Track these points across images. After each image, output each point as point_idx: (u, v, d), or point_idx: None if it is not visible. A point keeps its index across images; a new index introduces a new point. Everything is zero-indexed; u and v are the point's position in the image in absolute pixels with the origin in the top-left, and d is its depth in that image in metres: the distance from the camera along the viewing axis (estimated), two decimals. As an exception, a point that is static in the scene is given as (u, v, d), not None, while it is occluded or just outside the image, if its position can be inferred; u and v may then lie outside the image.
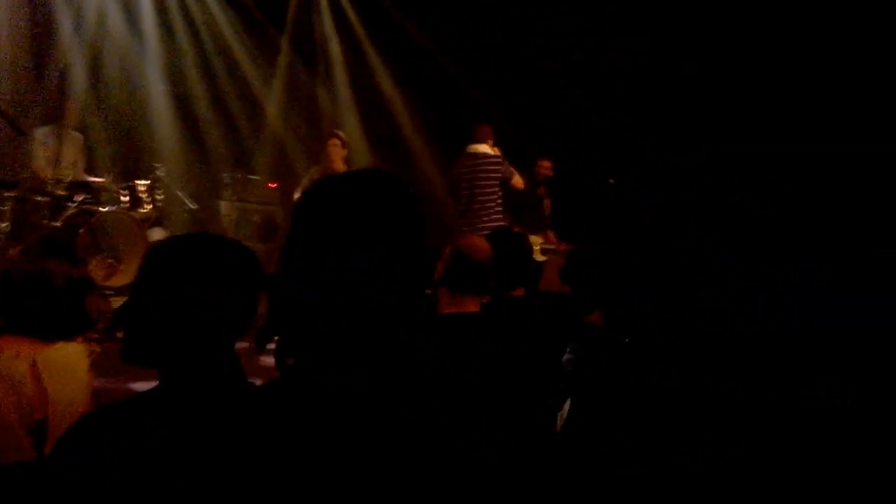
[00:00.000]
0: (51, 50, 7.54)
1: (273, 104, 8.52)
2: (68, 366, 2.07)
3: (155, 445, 1.07)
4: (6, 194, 6.11)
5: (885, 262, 4.78)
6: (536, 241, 6.34)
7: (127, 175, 7.08)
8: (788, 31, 5.85)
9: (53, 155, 6.29)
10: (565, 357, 2.72)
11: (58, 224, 6.10)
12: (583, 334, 2.76)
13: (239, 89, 8.43)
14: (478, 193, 6.11)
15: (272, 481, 1.02)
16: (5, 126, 5.59)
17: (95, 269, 5.98)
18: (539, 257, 6.06)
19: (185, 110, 8.21)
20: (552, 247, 6.49)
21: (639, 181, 6.64)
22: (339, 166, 6.46)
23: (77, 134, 6.83)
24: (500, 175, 6.13)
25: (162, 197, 6.92)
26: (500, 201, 6.16)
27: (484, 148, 6.16)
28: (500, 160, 6.16)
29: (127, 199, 6.55)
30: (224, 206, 7.90)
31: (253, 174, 8.06)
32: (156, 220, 6.88)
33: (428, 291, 2.57)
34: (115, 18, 7.84)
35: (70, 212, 6.23)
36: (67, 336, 2.11)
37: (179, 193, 7.32)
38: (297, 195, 5.77)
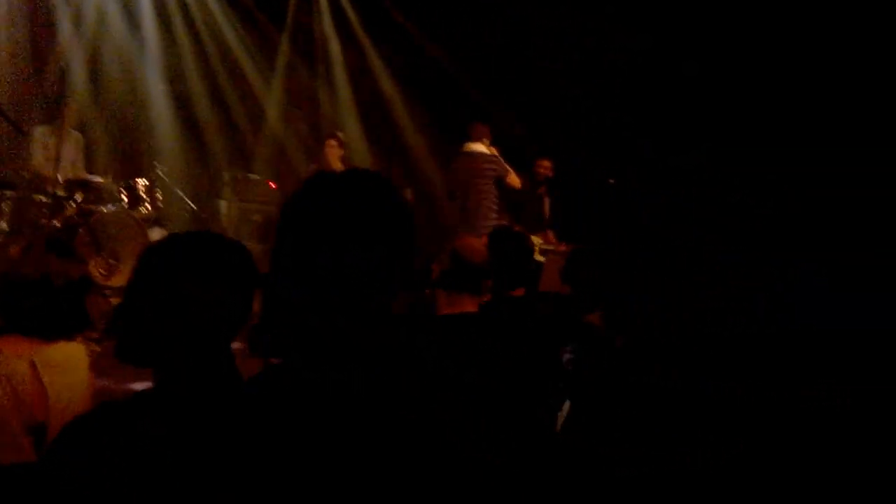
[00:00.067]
0: (50, 49, 7.53)
1: (273, 104, 8.52)
2: (68, 365, 2.07)
3: (151, 445, 1.07)
4: (6, 193, 6.11)
5: (886, 262, 4.78)
6: (536, 241, 6.35)
7: (127, 174, 7.07)
8: (788, 30, 5.85)
9: (53, 154, 6.28)
10: (565, 357, 2.72)
11: (57, 223, 6.09)
12: (583, 334, 2.76)
13: (239, 89, 8.42)
14: (473, 192, 6.13)
15: (271, 480, 1.02)
16: (5, 125, 5.59)
17: (95, 269, 5.98)
18: (538, 258, 6.06)
19: (185, 109, 8.21)
20: (551, 247, 6.49)
21: (639, 181, 6.64)
22: (337, 167, 6.46)
23: (77, 133, 6.83)
24: (494, 173, 6.15)
25: (162, 196, 6.91)
26: (496, 200, 6.18)
27: (479, 147, 6.18)
28: (494, 158, 6.18)
29: (127, 198, 6.55)
30: (224, 205, 7.90)
31: (253, 173, 8.06)
32: (155, 219, 6.88)
33: (426, 292, 2.57)
34: (115, 17, 7.84)
35: (69, 211, 6.22)
36: (67, 336, 2.11)
37: (179, 193, 7.32)
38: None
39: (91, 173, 6.87)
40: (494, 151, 6.25)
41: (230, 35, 8.26)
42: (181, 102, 8.18)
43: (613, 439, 2.26)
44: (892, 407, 3.00)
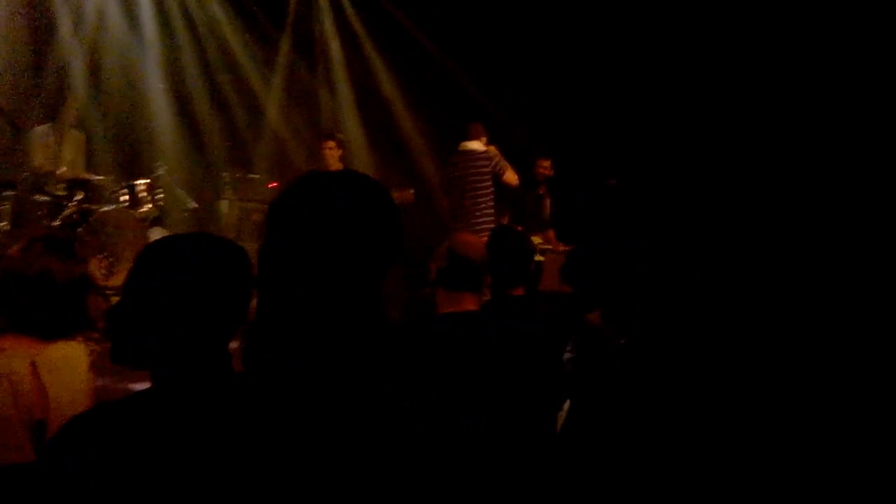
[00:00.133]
0: (50, 48, 7.53)
1: (273, 103, 8.52)
2: (68, 365, 2.07)
3: (148, 445, 1.07)
4: (5, 193, 6.10)
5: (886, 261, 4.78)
6: (536, 240, 6.35)
7: (127, 174, 7.07)
8: (788, 30, 5.85)
9: (53, 153, 6.28)
10: (565, 357, 2.72)
11: (57, 223, 6.09)
12: (583, 334, 2.76)
13: (239, 88, 8.42)
14: (469, 190, 6.16)
15: (269, 480, 1.02)
16: (4, 124, 5.59)
17: (95, 269, 5.98)
18: (538, 257, 6.06)
19: (186, 109, 8.20)
20: (550, 246, 6.50)
21: (639, 181, 6.64)
22: (336, 167, 6.46)
23: (77, 132, 6.83)
24: (490, 171, 6.17)
25: (162, 196, 6.91)
26: (492, 197, 6.20)
27: (475, 145, 6.21)
28: (489, 156, 6.20)
29: (127, 197, 6.54)
30: (224, 205, 7.90)
31: (253, 173, 8.06)
32: (156, 219, 6.88)
33: (426, 291, 2.57)
34: (115, 16, 7.84)
35: (69, 210, 6.22)
36: (68, 335, 2.10)
37: (179, 192, 7.31)
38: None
39: (91, 173, 6.87)
40: (492, 149, 6.26)
41: (230, 34, 8.26)
42: (181, 102, 8.18)
43: (613, 439, 2.25)
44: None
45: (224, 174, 7.97)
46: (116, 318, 1.23)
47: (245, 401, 1.11)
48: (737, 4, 6.22)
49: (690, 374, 2.33)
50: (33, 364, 1.99)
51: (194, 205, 7.39)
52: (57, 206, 6.18)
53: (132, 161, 7.62)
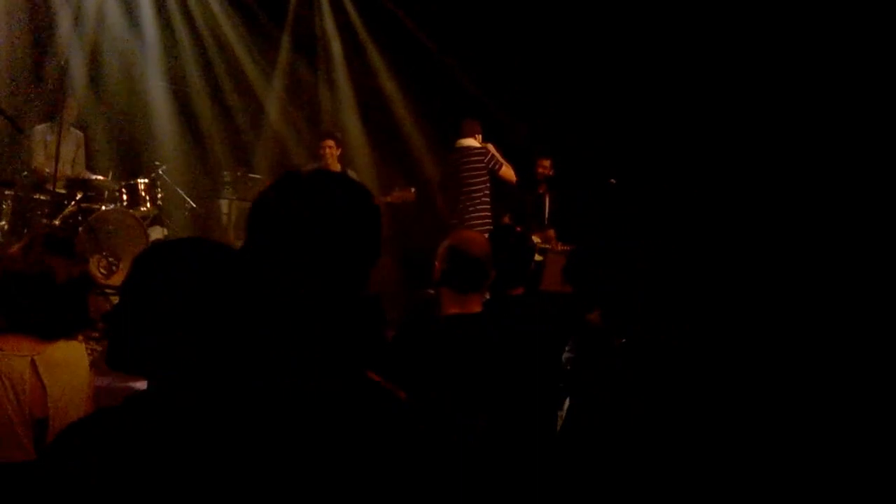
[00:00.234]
0: (50, 47, 7.52)
1: (274, 102, 8.51)
2: (69, 364, 2.07)
3: (150, 447, 1.07)
4: (6, 192, 6.10)
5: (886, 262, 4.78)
6: (536, 240, 6.35)
7: (127, 173, 7.07)
8: (787, 30, 5.85)
9: (53, 152, 6.29)
10: (565, 357, 2.72)
11: (57, 222, 6.09)
12: (583, 334, 2.76)
13: (239, 87, 8.41)
14: (464, 187, 6.20)
15: (271, 481, 1.02)
16: (4, 124, 5.59)
17: (95, 268, 5.98)
18: (538, 257, 6.07)
19: (186, 108, 8.19)
20: (549, 246, 6.50)
21: (639, 181, 6.64)
22: (335, 167, 6.46)
23: (77, 131, 6.83)
24: (484, 167, 6.20)
25: (162, 195, 6.91)
26: (487, 193, 6.22)
27: (469, 142, 6.25)
28: (483, 153, 6.23)
29: (127, 197, 6.54)
30: (224, 204, 7.89)
31: (253, 173, 8.05)
32: (156, 218, 6.88)
33: (430, 291, 2.57)
34: (115, 15, 7.83)
35: (69, 210, 6.23)
36: (68, 334, 2.10)
37: (180, 192, 7.31)
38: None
39: (91, 172, 6.87)
40: (488, 146, 6.29)
41: (231, 33, 8.25)
42: (182, 101, 8.17)
43: (613, 438, 2.26)
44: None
45: (224, 174, 7.96)
46: (115, 320, 1.23)
47: (245, 401, 1.11)
48: (736, 4, 6.22)
49: (690, 374, 2.33)
50: (33, 363, 1.99)
51: (194, 204, 7.39)
52: (57, 205, 6.18)
53: (132, 160, 7.62)
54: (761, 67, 6.01)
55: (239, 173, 7.87)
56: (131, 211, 6.45)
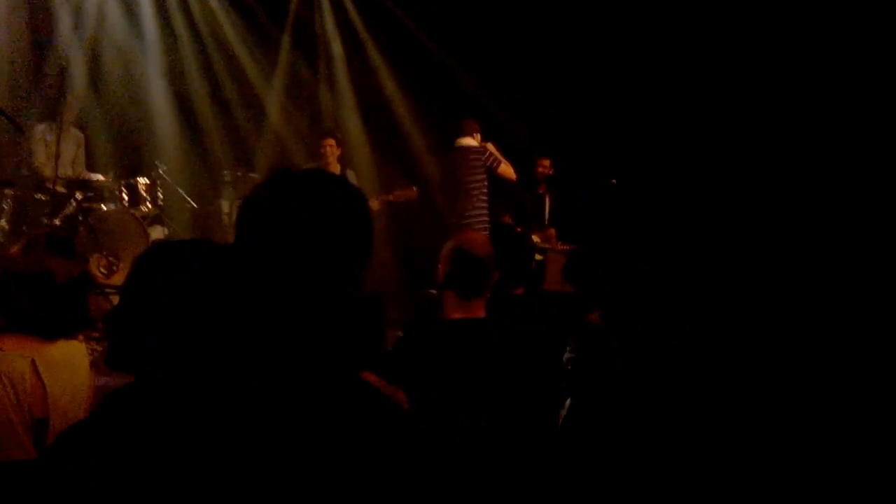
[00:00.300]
0: (50, 47, 7.52)
1: (274, 102, 8.51)
2: (69, 364, 2.07)
3: (150, 448, 1.07)
4: (6, 192, 6.10)
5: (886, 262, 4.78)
6: (536, 239, 6.36)
7: (127, 172, 7.06)
8: (787, 30, 5.85)
9: (53, 152, 6.29)
10: (565, 357, 2.72)
11: (57, 222, 6.09)
12: (583, 334, 2.76)
13: (240, 87, 8.41)
14: (462, 185, 6.21)
15: (271, 481, 1.02)
16: (4, 123, 5.58)
17: (95, 268, 5.98)
18: (538, 257, 6.07)
19: (186, 108, 8.19)
20: (549, 246, 6.51)
21: (639, 181, 6.64)
22: (335, 166, 6.47)
23: (77, 131, 6.82)
24: (482, 166, 6.21)
25: (162, 195, 6.91)
26: (485, 192, 6.24)
27: (467, 141, 6.27)
28: (481, 151, 6.24)
29: (127, 196, 6.54)
30: (225, 204, 7.89)
31: (253, 172, 8.05)
32: (156, 218, 6.87)
33: (432, 292, 2.57)
34: (115, 15, 7.83)
35: (70, 209, 6.22)
36: (68, 334, 2.11)
37: (180, 191, 7.31)
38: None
39: (92, 172, 6.87)
40: (487, 145, 6.31)
41: (231, 33, 8.25)
42: (182, 100, 8.16)
43: (613, 438, 2.26)
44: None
45: (224, 173, 7.96)
46: (115, 320, 1.23)
47: (244, 402, 1.11)
48: (736, 4, 6.22)
49: (690, 374, 2.33)
50: (34, 363, 1.99)
51: (195, 204, 7.39)
52: (57, 204, 6.17)
53: (132, 160, 7.61)
54: (761, 68, 6.01)
55: (239, 173, 7.86)
56: (131, 211, 6.45)
